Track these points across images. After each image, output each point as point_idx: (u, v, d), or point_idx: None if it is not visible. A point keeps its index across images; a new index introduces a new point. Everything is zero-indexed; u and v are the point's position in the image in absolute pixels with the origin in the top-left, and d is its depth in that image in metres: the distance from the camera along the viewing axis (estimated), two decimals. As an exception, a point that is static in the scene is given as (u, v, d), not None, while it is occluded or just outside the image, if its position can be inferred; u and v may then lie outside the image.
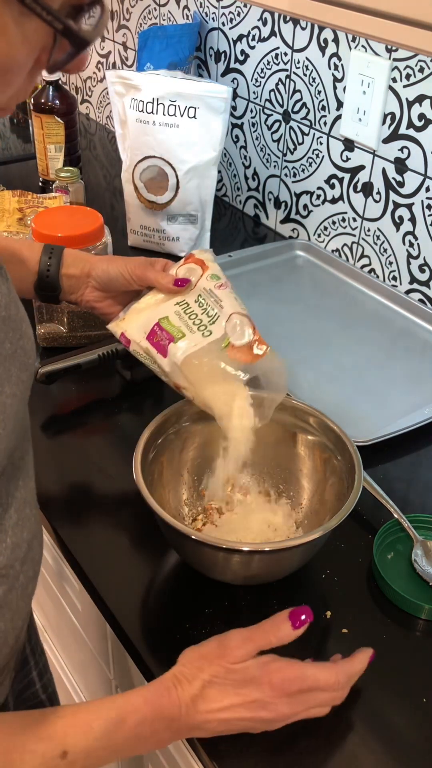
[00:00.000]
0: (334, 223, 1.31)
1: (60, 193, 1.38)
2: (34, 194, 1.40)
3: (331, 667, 0.62)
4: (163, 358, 0.79)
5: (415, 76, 1.07)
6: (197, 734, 0.61)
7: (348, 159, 1.24)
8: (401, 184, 1.15)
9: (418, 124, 1.09)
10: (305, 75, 1.26)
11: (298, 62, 1.27)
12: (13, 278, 0.81)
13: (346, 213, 1.28)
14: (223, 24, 1.41)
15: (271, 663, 0.60)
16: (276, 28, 1.29)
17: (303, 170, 1.34)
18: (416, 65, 1.06)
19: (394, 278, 1.22)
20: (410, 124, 1.10)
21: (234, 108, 1.45)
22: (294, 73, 1.29)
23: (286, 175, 1.39)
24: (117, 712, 0.57)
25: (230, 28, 1.40)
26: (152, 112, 1.24)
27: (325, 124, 1.26)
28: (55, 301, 0.89)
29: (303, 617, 0.62)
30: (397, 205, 1.17)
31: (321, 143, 1.28)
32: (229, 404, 0.76)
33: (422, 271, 1.16)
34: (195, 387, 0.77)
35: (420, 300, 1.18)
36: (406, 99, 1.10)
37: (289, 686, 0.60)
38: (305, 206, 1.36)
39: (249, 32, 1.36)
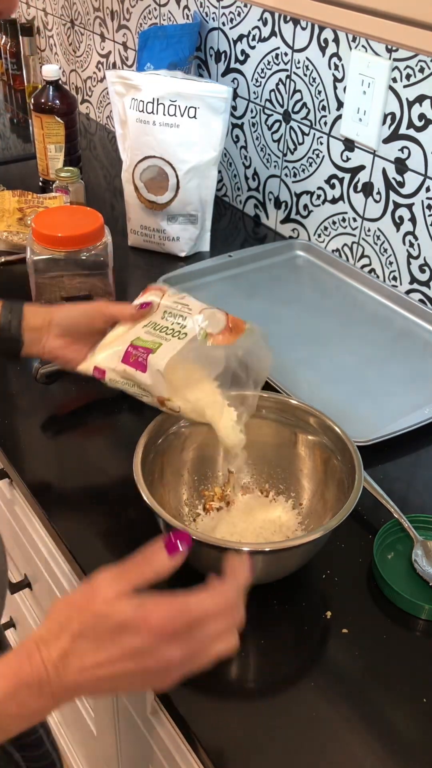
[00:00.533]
0: (334, 223, 1.31)
1: (60, 193, 1.38)
2: (34, 194, 1.40)
3: (213, 588, 0.55)
4: (143, 374, 0.78)
5: (415, 76, 1.07)
6: (77, 695, 0.53)
7: (348, 159, 1.24)
8: (401, 184, 1.15)
9: (419, 124, 1.09)
10: (305, 75, 1.26)
11: (299, 62, 1.27)
12: None
13: (346, 213, 1.28)
14: (224, 24, 1.41)
15: (147, 602, 0.53)
16: (276, 28, 1.29)
17: (303, 170, 1.34)
18: (416, 65, 1.06)
19: (395, 278, 1.22)
20: (410, 124, 1.10)
21: (234, 108, 1.45)
22: (294, 73, 1.29)
23: (286, 175, 1.39)
24: None
25: (230, 28, 1.40)
26: (152, 112, 1.24)
27: (325, 124, 1.26)
28: (15, 357, 0.86)
29: (179, 542, 0.55)
30: (397, 205, 1.17)
31: (321, 143, 1.28)
32: (217, 411, 0.77)
33: (422, 271, 1.16)
34: (181, 391, 0.77)
35: (420, 300, 1.18)
36: (407, 99, 1.10)
37: (171, 624, 0.52)
38: (305, 206, 1.36)
39: (249, 32, 1.36)
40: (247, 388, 0.79)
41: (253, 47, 1.36)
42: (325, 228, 1.33)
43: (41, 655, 0.52)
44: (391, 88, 1.11)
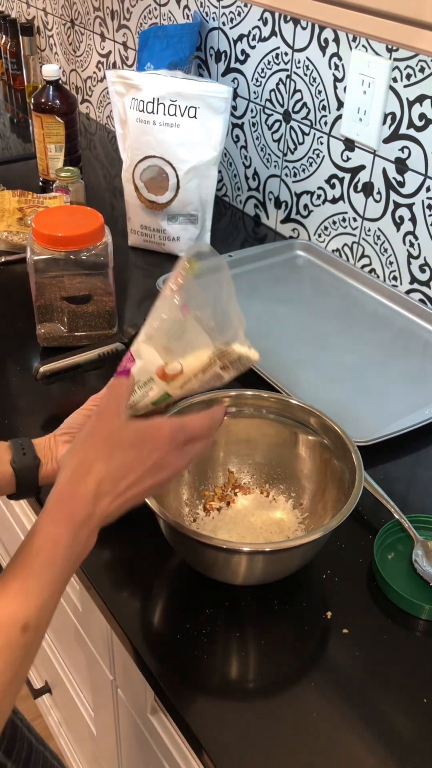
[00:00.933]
0: (334, 223, 1.31)
1: (60, 193, 1.38)
2: (34, 194, 1.40)
3: (201, 416, 0.66)
4: (134, 365, 0.71)
5: (415, 76, 1.07)
6: (113, 517, 0.60)
7: (348, 159, 1.24)
8: (402, 184, 1.15)
9: (419, 124, 1.09)
10: (306, 75, 1.26)
11: (299, 62, 1.27)
12: None
13: (346, 213, 1.28)
14: (224, 24, 1.41)
15: (153, 421, 0.62)
16: (276, 28, 1.29)
17: (303, 170, 1.34)
18: (417, 65, 1.06)
19: (395, 278, 1.22)
20: (411, 124, 1.10)
21: (234, 108, 1.45)
22: (294, 72, 1.29)
23: (286, 175, 1.38)
24: (43, 558, 0.55)
25: (231, 28, 1.40)
26: (152, 111, 1.24)
27: (325, 124, 1.26)
28: (37, 486, 0.73)
29: (125, 363, 0.66)
30: (397, 205, 1.17)
31: (321, 143, 1.28)
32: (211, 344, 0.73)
33: (423, 271, 1.16)
34: (172, 352, 0.71)
35: (420, 300, 1.18)
36: (407, 99, 1.10)
37: (177, 439, 0.61)
38: (305, 206, 1.36)
39: (249, 32, 1.36)
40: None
41: (253, 47, 1.36)
42: (326, 228, 1.33)
43: (81, 494, 0.57)
44: (391, 87, 1.11)
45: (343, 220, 1.29)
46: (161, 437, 0.61)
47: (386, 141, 1.15)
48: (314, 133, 1.29)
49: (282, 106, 1.34)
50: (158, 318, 0.71)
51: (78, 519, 0.57)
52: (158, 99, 1.23)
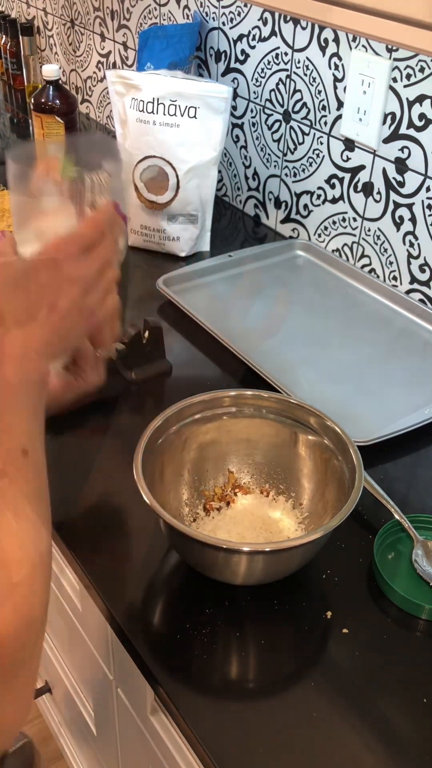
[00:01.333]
0: (334, 223, 1.31)
1: None
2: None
3: (88, 218, 0.65)
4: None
5: (415, 76, 1.07)
6: (45, 349, 0.59)
7: (348, 159, 1.24)
8: (401, 184, 1.15)
9: (419, 124, 1.09)
10: (305, 75, 1.26)
11: (299, 62, 1.27)
12: None
13: (346, 213, 1.28)
14: (224, 24, 1.41)
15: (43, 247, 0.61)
16: (276, 28, 1.29)
17: (303, 170, 1.34)
18: (417, 65, 1.06)
19: (395, 278, 1.22)
20: (411, 124, 1.10)
21: (234, 108, 1.45)
22: (294, 72, 1.29)
23: (286, 174, 1.38)
24: None
25: (230, 28, 1.40)
26: (152, 111, 1.24)
27: (325, 124, 1.26)
28: None
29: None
30: (397, 205, 1.17)
31: (321, 143, 1.28)
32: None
33: (422, 271, 1.16)
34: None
35: (420, 300, 1.18)
36: (407, 99, 1.10)
37: (65, 248, 0.60)
38: (305, 206, 1.36)
39: (249, 32, 1.36)
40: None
41: (253, 47, 1.36)
42: (325, 228, 1.33)
43: None
44: (391, 87, 1.11)
45: (343, 220, 1.29)
46: (48, 257, 0.60)
47: (386, 141, 1.15)
48: (314, 133, 1.29)
49: (282, 106, 1.34)
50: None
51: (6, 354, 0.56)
52: (158, 99, 1.23)
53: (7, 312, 0.57)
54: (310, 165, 1.32)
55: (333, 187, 1.29)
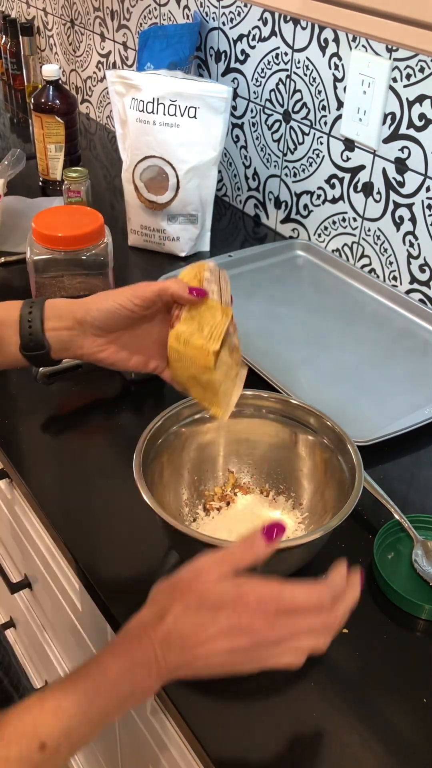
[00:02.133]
0: (334, 223, 1.31)
1: (73, 195, 1.36)
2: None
3: (312, 586, 0.57)
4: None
5: (415, 76, 1.07)
6: (180, 675, 0.57)
7: (348, 159, 1.24)
8: (401, 184, 1.15)
9: (419, 124, 1.09)
10: (305, 75, 1.26)
11: (299, 62, 1.27)
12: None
13: (346, 213, 1.28)
14: (224, 24, 1.41)
15: (245, 583, 0.57)
16: (276, 28, 1.29)
17: (303, 170, 1.34)
18: (416, 65, 1.06)
19: (395, 278, 1.22)
20: (410, 124, 1.10)
21: (234, 108, 1.45)
22: (294, 72, 1.29)
23: (286, 174, 1.38)
24: (88, 683, 0.54)
25: (230, 28, 1.40)
26: (152, 111, 1.24)
27: (325, 124, 1.26)
28: (48, 362, 0.76)
29: (276, 530, 0.60)
30: (397, 205, 1.17)
31: (321, 143, 1.28)
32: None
33: (422, 271, 1.16)
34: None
35: (420, 300, 1.18)
36: (407, 99, 1.10)
37: (266, 606, 0.55)
38: (305, 206, 1.36)
39: (249, 32, 1.36)
40: None
41: (253, 47, 1.36)
42: (325, 228, 1.33)
43: (149, 636, 0.55)
44: (391, 87, 1.11)
45: (343, 220, 1.29)
46: (243, 604, 0.56)
47: (386, 141, 1.15)
48: (314, 133, 1.29)
49: (282, 106, 1.34)
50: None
51: (135, 659, 0.55)
52: (158, 99, 1.23)
53: (175, 632, 0.55)
54: (310, 165, 1.32)
55: (333, 187, 1.29)
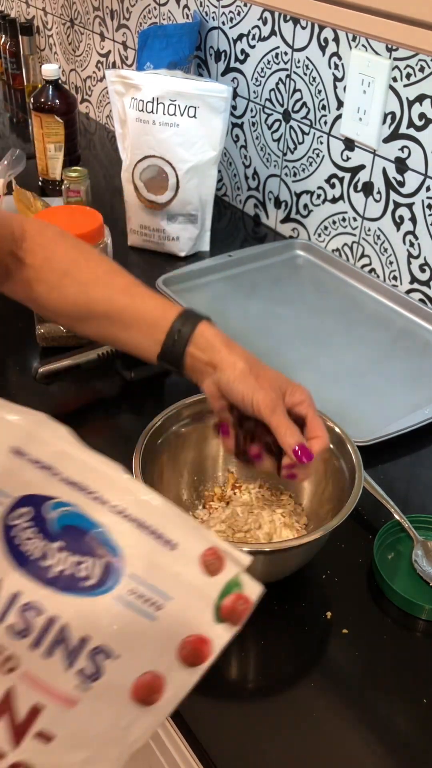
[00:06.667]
0: (334, 222, 1.31)
1: (73, 195, 1.36)
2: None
3: None
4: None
5: (415, 76, 1.07)
6: None
7: (348, 158, 1.24)
8: (402, 184, 1.15)
9: (419, 123, 1.09)
10: (305, 74, 1.26)
11: (299, 62, 1.27)
12: (140, 345, 0.74)
13: (346, 213, 1.28)
14: (223, 23, 1.41)
15: None
16: (276, 28, 1.29)
17: (303, 170, 1.34)
18: (416, 65, 1.06)
19: (395, 278, 1.22)
20: (411, 124, 1.10)
21: (234, 107, 1.44)
22: (294, 72, 1.29)
23: (286, 174, 1.38)
24: None
25: (230, 28, 1.40)
26: (152, 111, 1.24)
27: (325, 123, 1.26)
28: (179, 375, 0.76)
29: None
30: (397, 205, 1.17)
31: (321, 143, 1.28)
32: None
33: (423, 270, 1.16)
34: None
35: (420, 300, 1.18)
36: (407, 98, 1.10)
37: None
38: (305, 206, 1.36)
39: (249, 31, 1.35)
40: None
41: (253, 46, 1.36)
42: (325, 228, 1.33)
43: None
44: (391, 87, 1.11)
45: (343, 219, 1.29)
46: None
47: (386, 141, 1.15)
48: (314, 133, 1.29)
49: (282, 105, 1.34)
50: None
51: None
52: (158, 98, 1.23)
53: None
54: (310, 165, 1.32)
55: (333, 186, 1.29)
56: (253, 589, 0.54)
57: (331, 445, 0.79)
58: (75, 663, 0.50)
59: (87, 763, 0.52)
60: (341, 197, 1.28)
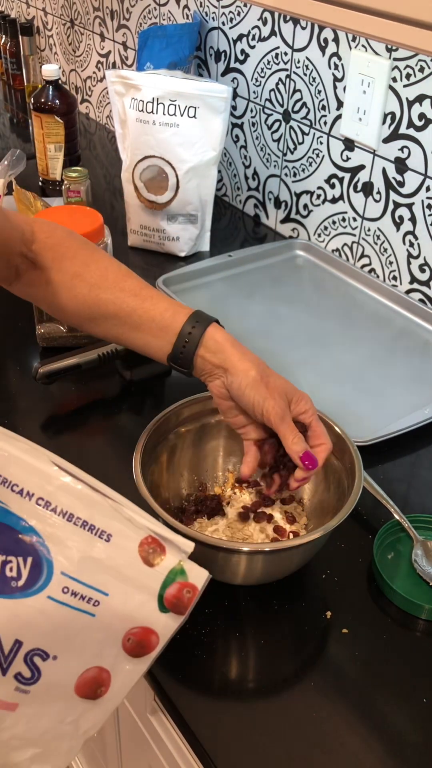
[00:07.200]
0: (334, 222, 1.31)
1: (73, 195, 1.36)
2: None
3: None
4: None
5: (415, 76, 1.07)
6: None
7: (348, 159, 1.24)
8: (401, 184, 1.15)
9: (419, 123, 1.09)
10: (305, 75, 1.26)
11: (298, 62, 1.27)
12: (148, 345, 0.76)
13: (346, 213, 1.28)
14: (223, 23, 1.41)
15: None
16: (276, 28, 1.29)
17: (303, 170, 1.34)
18: (416, 65, 1.06)
19: (395, 278, 1.22)
20: (410, 124, 1.10)
21: (234, 108, 1.45)
22: (294, 72, 1.29)
23: (286, 174, 1.38)
24: None
25: (230, 28, 1.40)
26: (152, 111, 1.24)
27: (325, 123, 1.26)
28: (188, 375, 0.77)
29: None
30: (397, 205, 1.17)
31: (321, 143, 1.28)
32: None
33: (422, 270, 1.16)
34: None
35: (420, 300, 1.18)
36: (407, 98, 1.10)
37: None
38: (305, 206, 1.36)
39: (249, 32, 1.35)
40: None
41: (252, 47, 1.36)
42: (325, 228, 1.33)
43: None
44: (391, 87, 1.11)
45: (343, 219, 1.29)
46: None
47: (386, 141, 1.15)
48: (314, 133, 1.29)
49: (282, 105, 1.34)
50: None
51: None
52: (158, 99, 1.23)
53: None
54: (310, 165, 1.32)
55: (333, 186, 1.29)
56: (199, 576, 0.52)
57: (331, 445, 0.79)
58: (10, 668, 0.48)
59: (36, 759, 0.52)
60: (341, 197, 1.28)
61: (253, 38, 1.35)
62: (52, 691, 0.49)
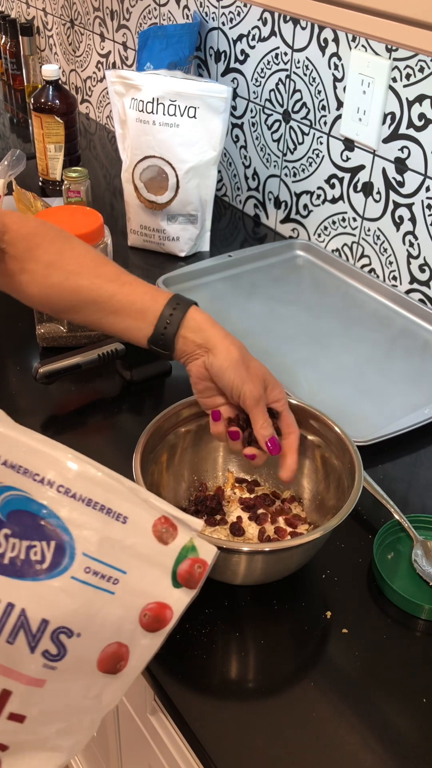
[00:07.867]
0: (334, 222, 1.31)
1: (73, 195, 1.36)
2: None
3: None
4: None
5: (415, 76, 1.07)
6: None
7: (348, 159, 1.24)
8: (401, 184, 1.15)
9: (419, 123, 1.09)
10: (305, 75, 1.26)
11: (298, 62, 1.27)
12: (128, 328, 0.76)
13: (346, 213, 1.28)
14: (223, 24, 1.41)
15: None
16: (276, 28, 1.29)
17: (303, 170, 1.34)
18: (416, 65, 1.06)
19: (395, 278, 1.22)
20: (410, 124, 1.10)
21: (234, 108, 1.45)
22: (294, 72, 1.29)
23: (286, 174, 1.38)
24: None
25: (230, 28, 1.40)
26: (152, 111, 1.24)
27: (325, 123, 1.26)
28: (167, 357, 0.78)
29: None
30: (397, 205, 1.17)
31: (321, 143, 1.28)
32: None
33: (422, 270, 1.16)
34: None
35: (420, 300, 1.18)
36: (406, 99, 1.10)
37: None
38: (305, 206, 1.36)
39: (249, 32, 1.35)
40: None
41: (252, 47, 1.36)
42: (325, 228, 1.33)
43: None
44: (391, 87, 1.11)
45: (343, 220, 1.29)
46: None
47: (386, 141, 1.15)
48: (314, 133, 1.29)
49: (281, 106, 1.34)
50: None
51: None
52: (158, 99, 1.23)
53: None
54: (310, 165, 1.32)
55: (333, 187, 1.29)
56: (209, 552, 0.56)
57: (331, 445, 0.79)
58: (38, 646, 0.51)
59: (62, 733, 0.54)
60: (341, 197, 1.28)
61: (253, 38, 1.35)
62: (77, 667, 0.52)
